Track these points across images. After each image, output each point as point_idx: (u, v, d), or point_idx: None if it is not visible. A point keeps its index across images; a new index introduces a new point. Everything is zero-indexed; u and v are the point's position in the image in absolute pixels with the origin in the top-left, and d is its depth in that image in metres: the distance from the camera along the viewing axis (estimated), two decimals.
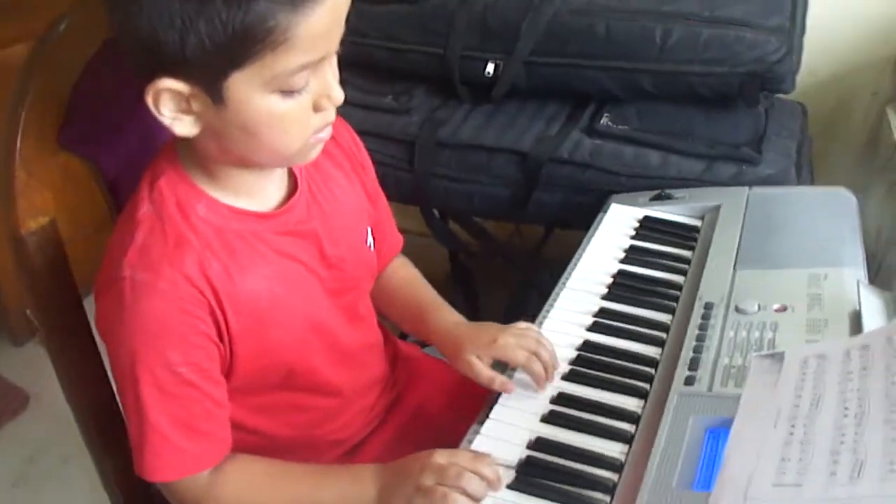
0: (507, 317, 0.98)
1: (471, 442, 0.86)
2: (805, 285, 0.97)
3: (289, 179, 0.88)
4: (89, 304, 0.83)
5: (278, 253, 0.85)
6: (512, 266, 1.89)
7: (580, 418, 0.87)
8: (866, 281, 0.98)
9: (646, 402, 0.88)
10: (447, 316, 1.01)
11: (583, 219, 1.25)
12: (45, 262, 0.88)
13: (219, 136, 0.76)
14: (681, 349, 0.91)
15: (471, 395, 0.94)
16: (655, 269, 1.10)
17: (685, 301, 1.02)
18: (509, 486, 0.80)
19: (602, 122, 1.39)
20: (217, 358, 0.81)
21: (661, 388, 0.88)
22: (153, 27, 0.68)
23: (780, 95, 1.43)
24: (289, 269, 0.86)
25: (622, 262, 1.12)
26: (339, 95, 0.77)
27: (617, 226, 1.20)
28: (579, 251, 1.15)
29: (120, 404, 0.82)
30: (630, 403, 0.88)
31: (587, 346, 0.98)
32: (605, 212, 1.24)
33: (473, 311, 1.85)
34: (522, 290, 1.80)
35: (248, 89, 0.72)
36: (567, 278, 1.09)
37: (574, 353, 0.96)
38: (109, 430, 0.95)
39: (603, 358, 0.95)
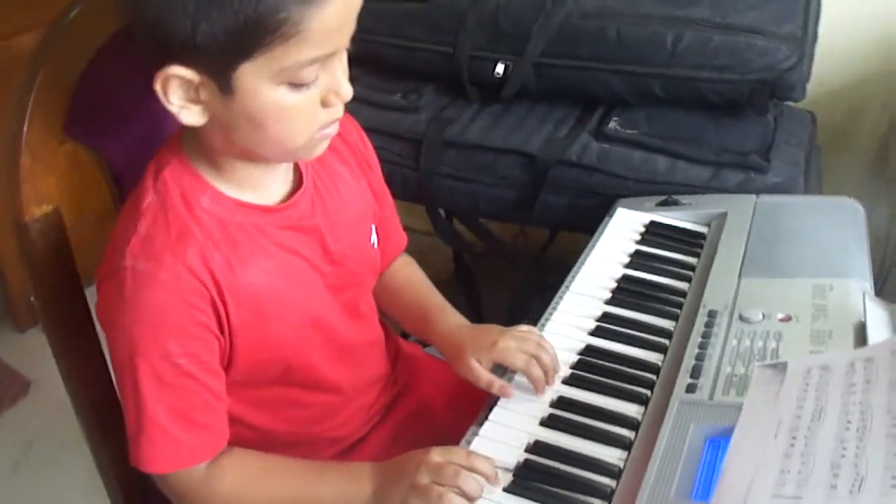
0: (510, 318, 0.98)
1: (469, 443, 0.85)
2: (810, 295, 0.96)
3: (294, 174, 0.88)
4: (91, 294, 0.83)
5: (281, 247, 0.84)
6: (515, 268, 1.89)
7: (579, 423, 0.87)
8: (872, 293, 0.97)
9: (646, 408, 0.88)
10: (449, 318, 1.00)
11: (588, 222, 1.24)
12: (47, 249, 0.88)
13: (225, 126, 0.76)
14: (683, 356, 0.91)
15: (471, 396, 0.94)
16: (660, 274, 1.10)
17: (689, 308, 1.01)
18: (506, 489, 0.79)
19: (611, 125, 1.39)
20: (216, 350, 0.81)
21: (662, 394, 0.88)
22: (165, 13, 0.68)
23: (790, 104, 1.42)
24: (291, 264, 0.86)
25: (627, 266, 1.12)
26: (347, 92, 0.77)
27: (623, 230, 1.20)
28: (584, 255, 1.14)
29: (118, 394, 0.81)
30: (630, 409, 0.88)
31: (589, 350, 0.97)
32: (611, 216, 1.23)
33: (476, 312, 1.85)
34: (525, 292, 1.80)
35: (257, 80, 0.72)
36: (571, 281, 1.09)
37: (575, 357, 0.96)
38: (107, 418, 0.95)
39: (604, 363, 0.95)
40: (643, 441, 0.82)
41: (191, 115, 0.74)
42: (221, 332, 0.81)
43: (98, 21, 0.88)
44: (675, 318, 1.01)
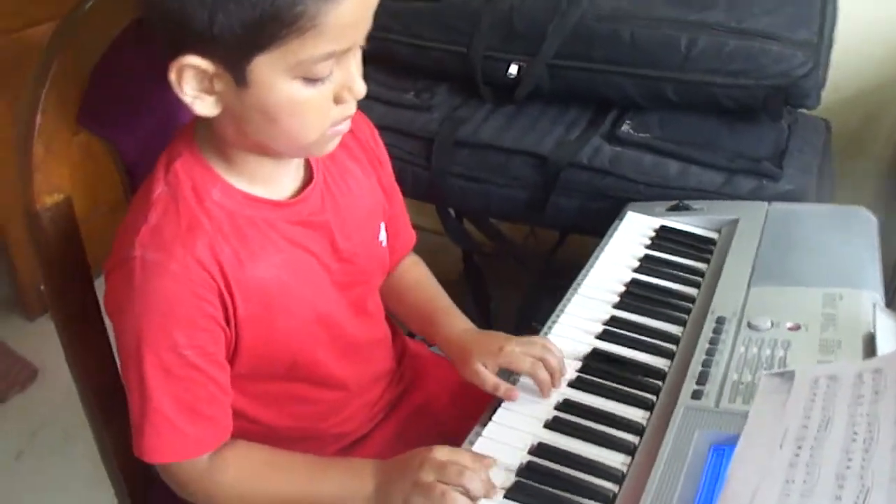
0: (519, 320, 0.98)
1: (472, 443, 0.85)
2: (820, 305, 0.95)
3: (305, 170, 0.88)
4: (101, 285, 0.84)
5: (290, 242, 0.84)
6: (525, 269, 1.89)
7: (584, 426, 0.86)
8: (883, 303, 0.97)
9: (651, 413, 0.87)
10: (456, 322, 1.00)
11: (599, 225, 1.24)
12: (57, 237, 0.89)
13: (238, 119, 0.76)
14: (690, 362, 0.90)
15: (475, 396, 0.94)
16: (669, 280, 1.09)
17: (697, 314, 1.01)
18: (508, 490, 0.79)
19: (623, 129, 1.39)
20: (223, 342, 0.81)
21: (667, 400, 0.87)
22: (184, 4, 0.68)
23: (804, 110, 1.41)
24: (299, 259, 0.86)
25: (636, 271, 1.11)
26: (360, 89, 0.77)
27: (632, 234, 1.19)
28: (593, 258, 1.14)
29: (123, 384, 0.82)
30: (635, 414, 0.88)
31: (595, 354, 0.97)
32: (622, 219, 1.23)
33: (484, 313, 1.84)
34: (534, 294, 1.80)
35: (271, 73, 0.72)
36: (579, 284, 1.09)
37: (581, 361, 0.96)
38: (111, 407, 0.95)
39: (610, 367, 0.94)
40: (647, 446, 0.82)
41: (204, 106, 0.75)
42: (228, 324, 0.81)
43: (113, 12, 0.88)
44: (682, 323, 1.01)
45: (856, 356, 0.87)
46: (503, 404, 0.90)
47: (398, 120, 1.48)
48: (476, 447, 0.85)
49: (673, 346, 0.97)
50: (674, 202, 1.25)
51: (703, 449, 0.77)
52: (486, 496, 0.77)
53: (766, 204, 1.20)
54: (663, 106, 1.40)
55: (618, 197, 1.33)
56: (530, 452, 0.84)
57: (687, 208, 1.23)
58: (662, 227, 1.20)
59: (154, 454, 0.80)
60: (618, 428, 0.86)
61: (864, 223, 1.14)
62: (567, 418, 0.88)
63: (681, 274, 1.10)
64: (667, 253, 1.15)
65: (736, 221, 1.17)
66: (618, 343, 0.98)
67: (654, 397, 0.89)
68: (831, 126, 1.52)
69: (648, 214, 1.23)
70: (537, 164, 1.40)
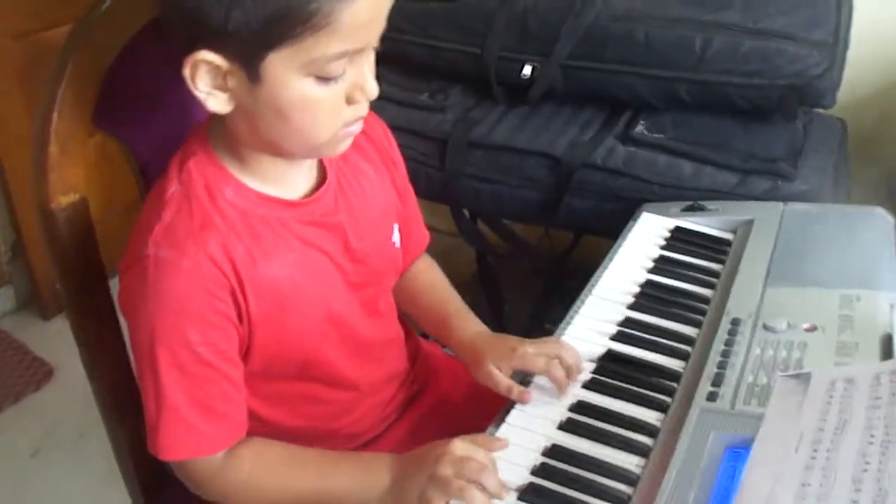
0: (532, 321, 0.98)
1: None
2: (837, 306, 0.95)
3: (318, 171, 0.88)
4: (115, 285, 0.84)
5: (303, 242, 0.85)
6: (539, 270, 1.89)
7: (598, 428, 0.86)
8: None
9: (666, 415, 0.87)
10: (469, 325, 1.00)
11: (613, 226, 1.23)
12: (72, 237, 0.89)
13: (251, 116, 0.77)
14: (705, 364, 0.90)
15: (489, 398, 0.94)
16: (684, 281, 1.09)
17: (712, 315, 1.00)
18: (521, 492, 0.79)
19: (637, 129, 1.38)
20: (236, 340, 0.82)
21: (682, 402, 0.87)
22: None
23: (820, 110, 1.40)
24: (312, 259, 0.86)
25: (650, 272, 1.11)
26: (373, 89, 0.77)
27: (647, 235, 1.19)
28: (607, 259, 1.14)
29: (137, 382, 0.82)
30: (650, 416, 0.87)
31: (609, 355, 0.96)
32: (636, 220, 1.22)
33: (498, 314, 1.84)
34: (548, 295, 1.79)
35: (284, 70, 0.72)
36: (593, 285, 1.08)
37: (596, 362, 0.95)
38: (126, 406, 0.95)
39: (625, 368, 0.94)
40: (662, 448, 0.82)
41: (217, 103, 0.75)
42: (241, 321, 0.81)
43: (128, 13, 0.89)
44: (698, 325, 1.00)
45: (873, 358, 0.86)
46: (517, 405, 0.90)
47: (412, 121, 1.48)
48: None
49: (688, 348, 0.96)
50: (688, 203, 1.25)
51: (718, 451, 0.77)
52: (499, 497, 0.77)
53: (781, 204, 1.19)
54: (677, 106, 1.39)
55: (632, 198, 1.32)
56: (544, 454, 0.83)
57: (702, 209, 1.23)
58: (677, 228, 1.20)
59: (168, 451, 0.81)
60: (632, 430, 0.85)
61: (880, 223, 1.13)
62: (581, 420, 0.87)
63: (696, 275, 1.10)
64: (681, 254, 1.14)
65: (751, 222, 1.16)
66: (632, 344, 0.98)
67: (668, 399, 0.89)
68: (847, 126, 1.51)
69: (663, 215, 1.23)
70: (551, 165, 1.39)
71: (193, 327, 0.77)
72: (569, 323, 1.02)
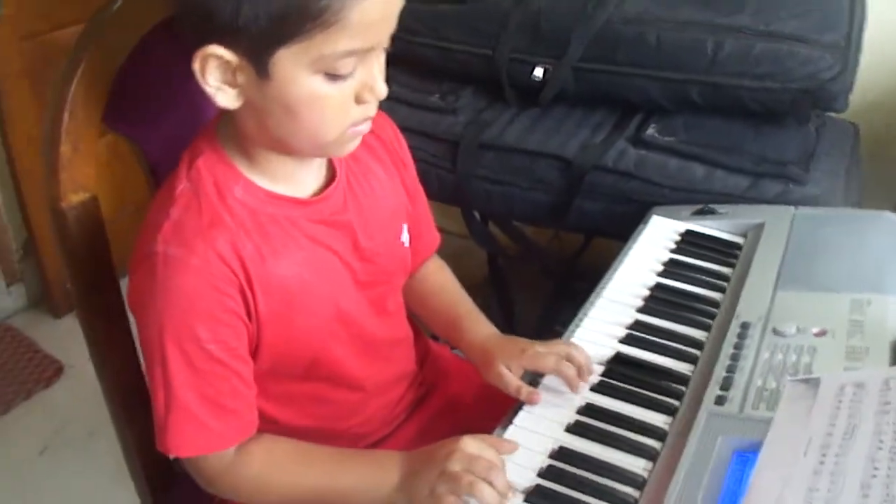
0: (542, 323, 0.98)
1: None
2: (847, 310, 0.94)
3: (327, 170, 0.88)
4: (125, 285, 0.84)
5: (312, 240, 0.85)
6: (549, 272, 1.88)
7: (606, 431, 0.86)
8: None
9: (674, 418, 0.86)
10: (480, 327, 1.00)
11: (623, 229, 1.23)
12: (83, 236, 0.90)
13: (259, 112, 0.77)
14: (714, 368, 0.89)
15: (499, 399, 0.94)
16: (694, 284, 1.09)
17: (722, 319, 1.00)
18: (528, 494, 0.79)
19: (648, 132, 1.38)
20: (245, 337, 0.82)
21: (690, 405, 0.86)
22: None
23: (832, 114, 1.40)
24: (321, 258, 0.86)
25: (660, 275, 1.11)
26: (382, 90, 0.77)
27: (657, 238, 1.19)
28: (617, 261, 1.13)
29: (147, 379, 0.82)
30: (658, 419, 0.87)
31: (618, 358, 0.96)
32: (647, 223, 1.22)
33: (508, 316, 1.84)
34: (558, 297, 1.79)
35: (294, 67, 0.72)
36: (603, 288, 1.08)
37: (605, 365, 0.95)
38: (135, 405, 0.96)
39: (634, 371, 0.94)
40: (669, 452, 0.81)
41: (226, 98, 0.75)
42: (249, 319, 0.81)
43: (140, 13, 0.89)
44: (707, 328, 1.00)
45: (883, 363, 0.85)
46: (525, 407, 0.90)
47: (423, 122, 1.48)
48: None
49: (697, 351, 0.96)
50: (699, 206, 1.24)
51: (726, 455, 0.76)
52: (506, 496, 0.77)
53: (792, 208, 1.19)
54: (689, 109, 1.39)
55: (642, 201, 1.32)
56: (551, 456, 0.83)
57: (712, 212, 1.22)
58: (688, 232, 1.19)
59: (178, 448, 0.81)
60: (640, 433, 0.85)
61: (892, 228, 1.13)
62: (589, 422, 0.87)
63: (706, 278, 1.09)
64: (692, 257, 1.14)
65: (762, 226, 1.16)
66: (641, 347, 0.98)
67: (677, 402, 0.89)
68: (859, 130, 1.50)
69: (674, 218, 1.22)
70: (562, 168, 1.39)
71: (202, 324, 0.78)
72: (578, 325, 1.02)
